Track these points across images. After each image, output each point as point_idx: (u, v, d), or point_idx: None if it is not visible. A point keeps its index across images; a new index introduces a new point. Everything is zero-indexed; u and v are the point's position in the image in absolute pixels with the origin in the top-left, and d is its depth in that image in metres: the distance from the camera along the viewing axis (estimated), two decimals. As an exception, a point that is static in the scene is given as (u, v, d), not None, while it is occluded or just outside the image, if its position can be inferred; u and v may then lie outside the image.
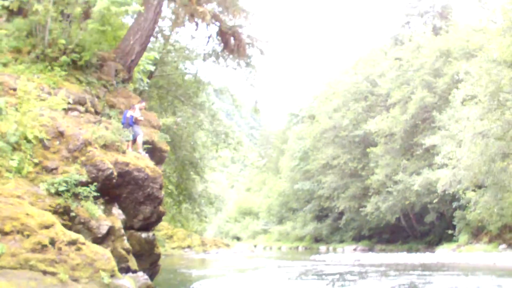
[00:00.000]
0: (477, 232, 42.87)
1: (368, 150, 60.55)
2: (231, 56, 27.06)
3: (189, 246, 53.39)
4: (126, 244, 12.96)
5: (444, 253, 41.57)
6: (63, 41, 16.04)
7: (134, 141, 15.78)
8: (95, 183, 12.42)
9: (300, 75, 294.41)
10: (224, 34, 25.45)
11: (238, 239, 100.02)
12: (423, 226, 57.97)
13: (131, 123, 15.78)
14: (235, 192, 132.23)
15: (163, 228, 49.69)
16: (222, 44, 26.47)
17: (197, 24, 25.00)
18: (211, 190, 35.03)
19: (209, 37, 26.71)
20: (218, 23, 24.86)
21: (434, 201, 45.95)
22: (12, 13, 16.91)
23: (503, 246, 37.28)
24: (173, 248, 50.55)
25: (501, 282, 18.06)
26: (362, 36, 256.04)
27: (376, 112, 63.07)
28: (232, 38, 25.55)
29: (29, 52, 16.11)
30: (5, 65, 15.10)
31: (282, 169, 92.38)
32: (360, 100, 66.16)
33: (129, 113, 15.92)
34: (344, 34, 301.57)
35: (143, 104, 17.40)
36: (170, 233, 52.31)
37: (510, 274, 21.15)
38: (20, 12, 16.89)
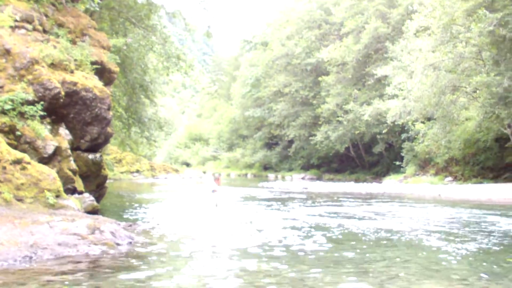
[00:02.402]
0: (424, 164, 43.64)
1: (320, 78, 60.71)
2: (183, -23, 26.46)
3: (138, 171, 53.46)
4: (73, 165, 12.79)
5: (391, 183, 42.25)
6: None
7: None
8: (41, 102, 12.14)
9: (254, 0, 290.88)
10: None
11: (187, 165, 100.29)
12: (371, 156, 58.79)
13: None
14: (185, 118, 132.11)
15: (112, 152, 49.47)
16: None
17: None
18: (161, 114, 34.76)
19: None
20: None
21: (383, 132, 46.54)
22: None
23: (449, 178, 38.03)
24: (122, 173, 50.51)
25: (443, 210, 18.47)
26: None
27: (329, 41, 63.12)
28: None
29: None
30: None
31: (233, 96, 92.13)
32: (313, 28, 65.99)
33: None
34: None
35: None
36: (119, 157, 52.17)
37: (453, 204, 21.60)
38: None
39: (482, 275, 7.64)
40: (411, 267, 8.22)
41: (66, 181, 12.32)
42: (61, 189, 11.10)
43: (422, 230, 12.71)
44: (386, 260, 8.76)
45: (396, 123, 41.42)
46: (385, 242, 10.81)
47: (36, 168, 10.78)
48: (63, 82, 13.05)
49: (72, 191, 12.64)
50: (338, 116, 54.96)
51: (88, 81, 13.97)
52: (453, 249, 9.80)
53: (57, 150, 12.29)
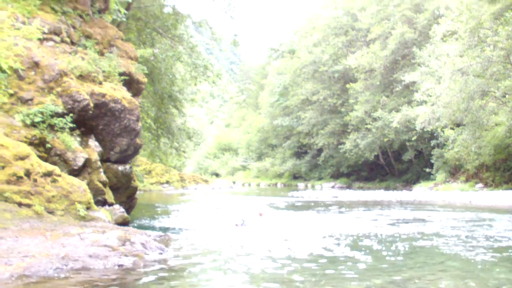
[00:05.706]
0: (455, 171, 43.22)
1: (347, 86, 60.46)
2: (209, -14, 26.43)
3: (167, 182, 53.58)
4: (103, 177, 12.81)
5: (421, 191, 41.97)
6: (36, -31, 15.49)
7: None
8: (71, 114, 12.19)
9: (281, 8, 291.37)
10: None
11: (217, 175, 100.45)
12: (401, 164, 58.39)
13: None
14: (214, 128, 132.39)
15: (142, 163, 49.68)
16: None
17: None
18: (189, 124, 34.83)
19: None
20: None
21: (412, 139, 46.23)
22: None
23: (480, 185, 37.62)
24: (152, 184, 50.67)
25: (474, 217, 18.29)
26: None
27: (356, 48, 62.91)
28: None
29: (1, -20, 15.57)
30: (-24, -7, 14.59)
31: (261, 105, 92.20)
32: (340, 35, 65.83)
33: None
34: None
35: None
36: (149, 168, 52.37)
37: (485, 211, 21.39)
38: None
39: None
40: (442, 274, 8.10)
41: (96, 193, 12.35)
42: (92, 201, 11.12)
43: (450, 236, 12.56)
44: (419, 267, 8.64)
45: (425, 129, 41.10)
46: (417, 249, 10.68)
47: (67, 180, 10.81)
48: (91, 94, 13.10)
49: (103, 203, 12.67)
50: (366, 124, 54.64)
51: (116, 92, 14.00)
52: (482, 257, 9.66)
53: (87, 162, 12.32)
